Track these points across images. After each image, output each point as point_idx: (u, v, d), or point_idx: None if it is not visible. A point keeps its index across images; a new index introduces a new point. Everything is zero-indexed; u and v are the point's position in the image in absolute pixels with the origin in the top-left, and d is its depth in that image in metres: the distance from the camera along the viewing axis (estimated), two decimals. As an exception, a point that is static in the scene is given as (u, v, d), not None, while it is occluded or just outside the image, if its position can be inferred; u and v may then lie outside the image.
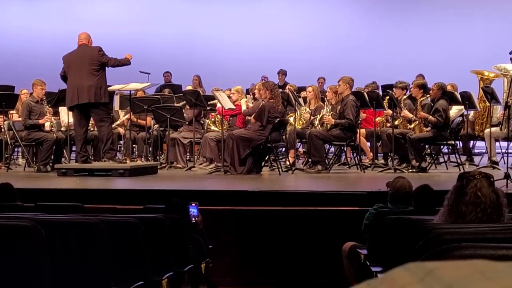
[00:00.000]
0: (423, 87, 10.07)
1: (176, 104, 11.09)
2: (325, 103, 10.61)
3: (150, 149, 11.32)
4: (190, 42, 16.98)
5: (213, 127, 11.23)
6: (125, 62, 9.62)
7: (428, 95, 9.95)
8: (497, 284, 0.65)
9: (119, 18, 16.67)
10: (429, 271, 0.69)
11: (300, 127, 10.76)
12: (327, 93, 10.87)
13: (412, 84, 10.64)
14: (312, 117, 10.66)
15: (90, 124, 10.19)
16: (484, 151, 11.21)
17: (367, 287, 0.70)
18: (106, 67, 9.53)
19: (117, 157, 9.87)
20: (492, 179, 3.53)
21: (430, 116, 9.53)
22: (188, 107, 11.01)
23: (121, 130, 11.49)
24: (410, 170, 9.63)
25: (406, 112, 9.98)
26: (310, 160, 10.09)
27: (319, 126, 10.21)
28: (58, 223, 3.87)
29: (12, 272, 3.27)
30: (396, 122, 10.18)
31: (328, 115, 10.08)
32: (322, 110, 10.41)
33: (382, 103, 10.31)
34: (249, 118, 10.47)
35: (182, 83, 14.07)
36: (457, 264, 0.69)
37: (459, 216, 3.39)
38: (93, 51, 9.50)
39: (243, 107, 10.71)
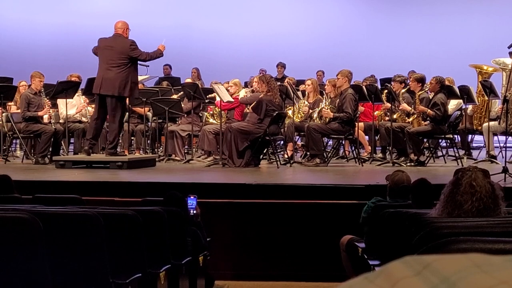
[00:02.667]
0: (421, 81, 10.07)
1: (174, 97, 11.08)
2: (324, 96, 10.60)
3: (149, 141, 11.32)
4: (188, 34, 16.96)
5: (211, 120, 11.23)
6: (158, 55, 9.47)
7: (426, 89, 9.95)
8: (493, 277, 0.65)
9: (117, 10, 16.61)
10: (426, 264, 0.69)
11: (298, 120, 10.76)
12: (325, 86, 10.86)
13: (410, 78, 10.66)
14: (310, 110, 10.66)
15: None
16: (482, 145, 11.22)
17: (364, 280, 0.71)
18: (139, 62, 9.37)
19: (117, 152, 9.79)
20: (487, 174, 3.56)
21: (429, 110, 9.54)
22: (186, 100, 11.00)
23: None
24: (408, 164, 9.63)
25: (404, 105, 9.99)
26: (308, 153, 10.10)
27: (317, 119, 10.21)
28: (56, 215, 3.88)
29: (10, 264, 3.27)
30: (395, 116, 10.18)
31: (327, 109, 10.07)
32: (320, 103, 10.41)
33: (380, 97, 10.31)
34: (247, 111, 10.46)
35: (181, 76, 14.05)
36: (454, 258, 0.70)
37: (455, 207, 3.40)
38: (125, 43, 9.29)
39: (241, 96, 10.71)
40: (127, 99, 9.68)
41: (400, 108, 10.09)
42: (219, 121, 10.45)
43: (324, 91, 10.83)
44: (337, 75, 10.19)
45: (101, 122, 9.59)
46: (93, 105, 11.18)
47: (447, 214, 3.42)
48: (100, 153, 9.84)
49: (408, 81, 10.70)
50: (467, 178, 3.43)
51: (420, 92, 9.91)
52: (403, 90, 10.39)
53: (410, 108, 9.89)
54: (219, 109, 10.54)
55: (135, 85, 9.44)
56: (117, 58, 9.21)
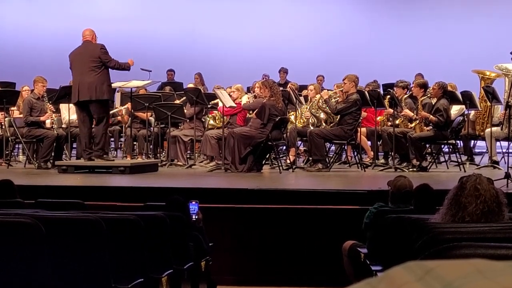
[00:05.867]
0: (424, 86, 10.08)
1: (177, 102, 11.09)
2: (309, 99, 10.88)
3: (151, 146, 11.33)
4: (191, 40, 16.97)
5: (211, 122, 11.25)
6: (125, 67, 9.57)
7: (429, 94, 9.96)
8: (495, 283, 0.65)
9: (120, 15, 16.65)
10: (428, 269, 0.69)
11: (301, 125, 10.77)
12: (308, 91, 11.15)
13: (413, 83, 10.66)
14: (309, 114, 10.75)
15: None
16: (484, 150, 11.21)
17: (367, 286, 0.71)
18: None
19: (105, 156, 9.78)
20: (492, 181, 3.57)
21: (431, 116, 9.53)
22: (189, 105, 11.01)
23: (124, 119, 11.45)
24: (411, 169, 9.62)
25: (407, 111, 9.99)
26: (310, 158, 10.09)
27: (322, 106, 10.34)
28: (59, 220, 3.88)
29: (12, 269, 3.27)
30: (397, 122, 10.18)
31: (307, 111, 10.31)
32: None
33: (383, 102, 10.31)
34: (249, 116, 10.46)
35: (183, 81, 14.07)
36: (456, 263, 0.70)
37: (459, 209, 3.40)
38: (95, 48, 9.47)
39: (244, 102, 10.72)
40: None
41: (402, 114, 10.09)
42: (220, 123, 10.46)
43: (308, 95, 11.07)
44: (343, 80, 10.19)
45: (90, 128, 9.67)
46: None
47: (451, 216, 3.42)
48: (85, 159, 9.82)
49: (411, 86, 10.71)
50: (472, 182, 3.44)
51: (422, 98, 9.90)
52: (406, 96, 10.39)
53: (413, 114, 9.89)
54: (221, 114, 10.54)
55: (111, 88, 9.60)
56: (91, 63, 9.36)
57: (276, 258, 6.96)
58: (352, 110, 9.82)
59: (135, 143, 11.32)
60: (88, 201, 6.05)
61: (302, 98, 11.38)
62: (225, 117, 10.57)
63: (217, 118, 11.13)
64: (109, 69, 9.48)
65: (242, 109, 10.70)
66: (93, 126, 9.78)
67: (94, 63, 9.36)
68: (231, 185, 8.06)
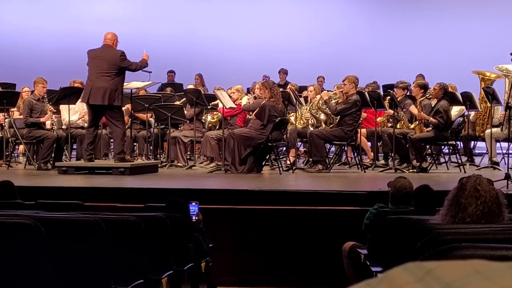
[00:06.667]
0: (424, 87, 10.09)
1: (177, 103, 11.09)
2: (309, 100, 10.88)
3: (151, 147, 11.33)
4: (192, 41, 16.97)
5: (209, 118, 11.28)
6: (144, 64, 9.59)
7: (429, 95, 9.96)
8: (495, 283, 0.65)
9: (121, 17, 16.65)
10: (428, 270, 0.69)
11: (301, 126, 10.77)
12: (308, 92, 11.14)
13: (413, 83, 10.67)
14: (309, 115, 10.75)
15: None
16: (484, 151, 11.21)
17: (367, 287, 0.71)
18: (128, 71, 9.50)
19: (127, 157, 9.82)
20: (491, 182, 3.56)
21: (431, 118, 9.53)
22: (189, 106, 11.01)
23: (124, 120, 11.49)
24: (411, 170, 9.63)
25: (413, 108, 9.99)
26: (310, 159, 10.10)
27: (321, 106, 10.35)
28: (59, 221, 3.88)
29: (12, 270, 3.27)
30: (398, 126, 10.16)
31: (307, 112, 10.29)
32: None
33: (383, 103, 10.31)
34: (249, 117, 10.46)
35: (184, 82, 14.07)
36: (456, 264, 0.70)
37: (459, 210, 3.40)
38: (115, 54, 9.40)
39: (244, 103, 10.72)
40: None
41: (408, 110, 10.13)
42: (216, 118, 10.47)
43: (308, 96, 11.08)
44: (343, 81, 10.19)
45: (95, 130, 9.71)
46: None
47: (451, 217, 3.41)
48: (102, 159, 9.86)
49: (411, 86, 10.72)
50: (471, 182, 3.44)
51: (421, 99, 9.91)
52: (401, 97, 10.42)
53: (417, 110, 9.87)
54: (222, 116, 10.54)
55: (122, 94, 9.59)
56: (107, 68, 9.32)
57: (276, 259, 6.96)
58: (352, 111, 9.82)
59: (135, 144, 11.32)
60: (88, 202, 6.05)
61: (302, 99, 11.38)
62: (226, 119, 10.57)
63: (215, 116, 11.21)
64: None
65: (242, 110, 10.70)
66: (99, 129, 9.80)
67: (111, 69, 9.31)
68: (231, 186, 8.06)
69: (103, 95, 9.22)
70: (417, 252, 2.77)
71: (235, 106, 10.45)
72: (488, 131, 10.32)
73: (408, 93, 10.70)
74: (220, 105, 10.48)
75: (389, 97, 10.42)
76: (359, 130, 10.17)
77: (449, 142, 9.83)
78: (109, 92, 9.23)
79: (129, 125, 11.06)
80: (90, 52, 9.55)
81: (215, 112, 11.47)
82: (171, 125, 10.75)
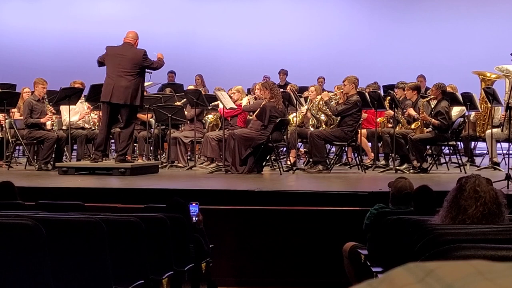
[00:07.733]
0: (417, 89, 10.14)
1: (177, 103, 11.09)
2: (309, 100, 10.91)
3: (151, 148, 11.32)
4: (192, 41, 16.98)
5: (209, 116, 11.29)
6: (162, 63, 9.62)
7: (431, 95, 9.96)
8: (496, 284, 0.65)
9: (121, 17, 16.65)
10: (429, 271, 0.69)
11: (300, 121, 10.82)
12: (309, 92, 11.18)
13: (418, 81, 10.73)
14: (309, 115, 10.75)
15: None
16: (485, 152, 11.21)
17: (367, 287, 0.70)
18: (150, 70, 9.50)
19: (127, 159, 9.81)
20: (490, 182, 3.55)
21: (433, 120, 9.52)
22: (189, 107, 11.01)
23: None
24: (411, 171, 9.63)
25: (410, 110, 9.99)
26: (311, 160, 10.10)
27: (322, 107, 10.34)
28: (59, 221, 3.87)
29: (12, 271, 3.27)
30: (398, 129, 10.16)
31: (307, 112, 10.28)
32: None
33: (383, 104, 10.31)
34: (250, 117, 10.47)
35: (184, 83, 14.07)
36: (457, 264, 0.70)
37: (459, 212, 3.38)
38: (137, 53, 9.35)
39: (244, 103, 10.73)
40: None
41: (406, 114, 10.10)
42: (218, 121, 10.48)
43: (308, 96, 11.09)
44: (343, 82, 10.19)
45: (109, 131, 9.65)
46: (96, 112, 11.20)
47: (451, 219, 3.40)
48: (105, 160, 9.85)
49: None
50: (471, 184, 3.41)
51: (423, 100, 9.92)
52: (405, 98, 10.42)
53: (416, 113, 9.87)
54: (222, 116, 10.55)
55: (143, 94, 9.56)
56: (129, 67, 9.25)
57: (276, 260, 6.96)
58: (352, 112, 9.83)
59: (135, 144, 11.32)
60: (89, 203, 6.05)
61: (302, 100, 11.38)
62: (226, 120, 10.58)
63: (215, 116, 11.24)
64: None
65: (242, 111, 10.70)
66: (112, 129, 9.82)
67: (134, 68, 9.25)
68: (231, 187, 8.06)
69: (126, 95, 9.17)
70: (418, 253, 2.77)
71: (235, 106, 10.46)
72: (488, 131, 10.32)
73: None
74: (221, 106, 10.48)
75: (389, 98, 10.42)
76: (359, 130, 10.18)
77: (450, 143, 9.83)
78: (131, 92, 9.19)
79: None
80: (109, 49, 9.46)
81: (215, 113, 11.50)
82: (172, 125, 10.75)
